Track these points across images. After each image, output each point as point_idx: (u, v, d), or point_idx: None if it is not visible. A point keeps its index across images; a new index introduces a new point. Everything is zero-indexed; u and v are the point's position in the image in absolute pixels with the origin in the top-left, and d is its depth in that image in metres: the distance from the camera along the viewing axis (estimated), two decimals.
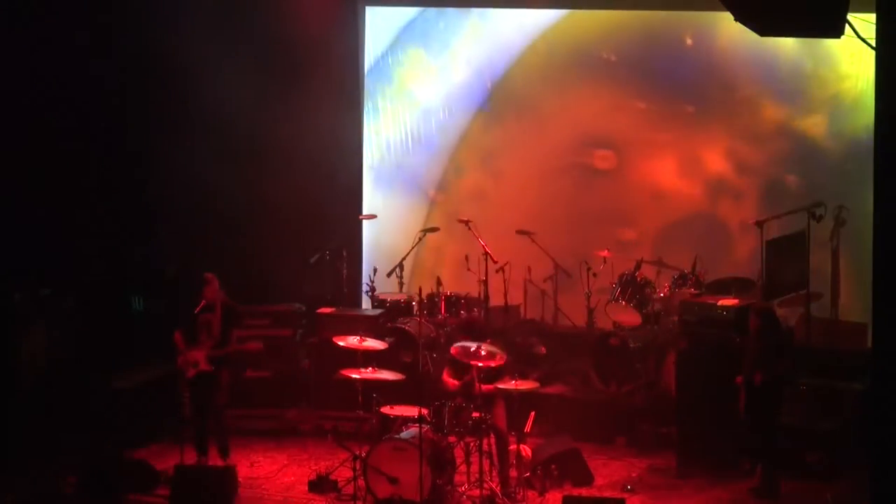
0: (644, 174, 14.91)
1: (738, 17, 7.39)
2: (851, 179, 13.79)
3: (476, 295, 14.03)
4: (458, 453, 11.09)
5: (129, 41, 13.79)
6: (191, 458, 11.62)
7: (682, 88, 14.67)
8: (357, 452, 11.17)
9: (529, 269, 14.38)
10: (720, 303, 12.43)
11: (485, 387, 11.13)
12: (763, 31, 7.77)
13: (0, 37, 12.82)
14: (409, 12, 15.63)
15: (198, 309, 11.83)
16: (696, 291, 13.15)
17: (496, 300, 14.09)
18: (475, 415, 10.98)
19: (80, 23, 13.35)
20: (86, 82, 13.53)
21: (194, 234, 14.32)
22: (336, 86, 15.15)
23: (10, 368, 12.61)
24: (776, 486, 11.30)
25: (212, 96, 13.75)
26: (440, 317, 13.80)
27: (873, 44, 7.00)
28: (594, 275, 13.87)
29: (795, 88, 14.34)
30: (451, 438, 11.01)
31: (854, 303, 13.60)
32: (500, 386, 11.12)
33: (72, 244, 13.41)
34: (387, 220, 15.38)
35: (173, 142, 14.04)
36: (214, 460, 11.87)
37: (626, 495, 11.23)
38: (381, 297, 14.11)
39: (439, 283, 13.99)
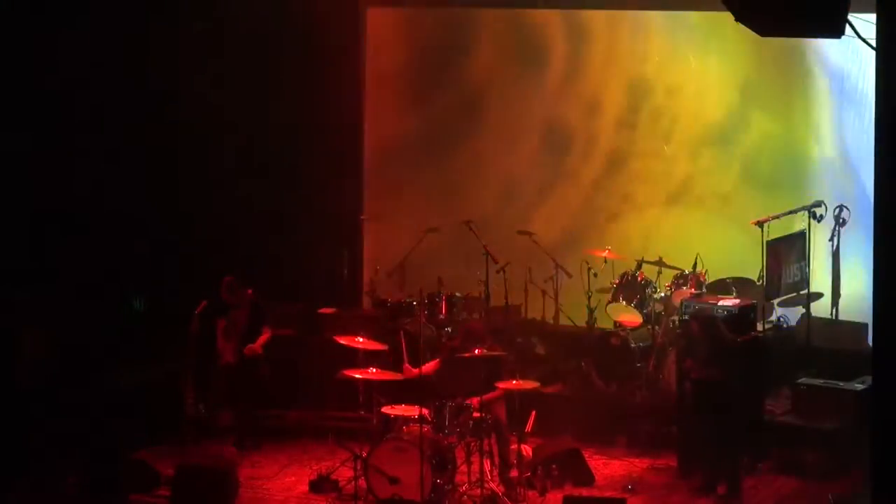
0: (645, 172, 14.92)
1: (738, 17, 7.39)
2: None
3: (477, 295, 14.04)
4: (459, 453, 11.10)
5: (129, 41, 13.78)
6: (192, 458, 11.61)
7: None
8: (358, 452, 11.18)
9: (530, 270, 14.36)
10: (721, 303, 12.45)
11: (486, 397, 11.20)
12: (763, 31, 7.77)
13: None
14: (413, 12, 15.63)
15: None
16: (697, 291, 13.15)
17: (497, 300, 14.10)
18: (476, 415, 11.00)
19: (84, 23, 13.36)
20: (87, 82, 13.53)
21: (195, 234, 14.31)
22: (337, 85, 15.14)
23: (10, 368, 12.62)
24: (735, 485, 11.28)
25: (210, 98, 13.75)
26: (441, 317, 13.80)
27: (873, 44, 7.01)
28: (595, 275, 13.86)
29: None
30: (452, 438, 11.02)
31: (854, 303, 13.59)
32: (501, 385, 11.15)
33: (72, 244, 13.41)
34: (387, 221, 15.37)
35: (172, 141, 14.05)
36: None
37: (626, 495, 11.23)
38: (382, 297, 14.11)
39: (440, 283, 14.00)
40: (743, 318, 12.22)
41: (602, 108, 15.02)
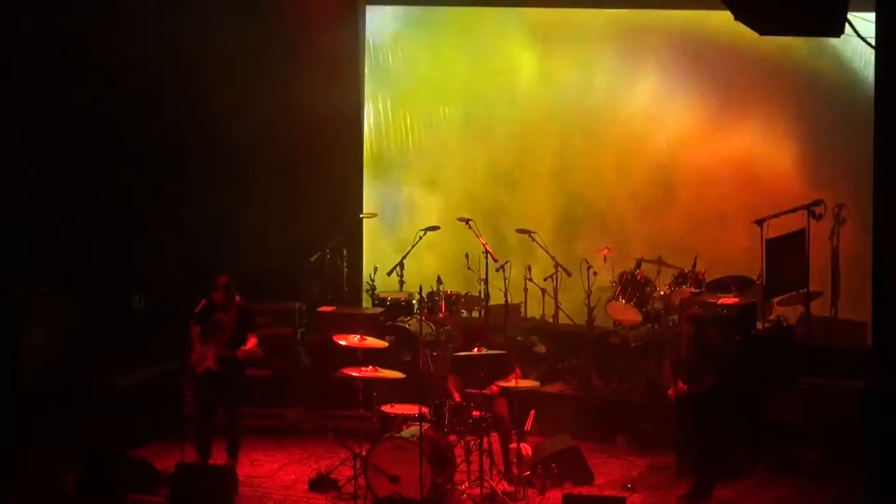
0: (646, 172, 14.93)
1: (738, 17, 7.40)
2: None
3: (476, 294, 14.05)
4: (459, 452, 11.11)
5: (129, 42, 13.79)
6: (192, 457, 11.61)
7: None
8: (357, 451, 11.19)
9: (529, 268, 14.38)
10: (720, 301, 12.44)
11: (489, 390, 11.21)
12: (763, 30, 7.80)
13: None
14: (411, 10, 15.63)
15: (197, 309, 11.85)
16: (697, 290, 13.15)
17: (496, 299, 14.10)
18: (475, 413, 11.01)
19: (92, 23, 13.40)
20: (88, 83, 13.54)
21: (195, 234, 14.32)
22: (336, 84, 15.14)
23: (10, 368, 12.61)
24: (707, 489, 11.23)
25: (210, 96, 13.76)
26: (440, 315, 13.82)
27: (873, 43, 7.02)
28: (594, 273, 13.87)
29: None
30: (452, 437, 11.03)
31: (854, 302, 13.59)
32: (501, 384, 11.17)
33: (73, 244, 13.42)
34: (387, 219, 15.37)
35: (171, 140, 14.06)
36: (216, 460, 11.88)
37: (626, 494, 11.24)
38: (382, 295, 14.13)
39: (439, 281, 14.01)
40: (742, 318, 12.20)
41: (600, 106, 15.03)
